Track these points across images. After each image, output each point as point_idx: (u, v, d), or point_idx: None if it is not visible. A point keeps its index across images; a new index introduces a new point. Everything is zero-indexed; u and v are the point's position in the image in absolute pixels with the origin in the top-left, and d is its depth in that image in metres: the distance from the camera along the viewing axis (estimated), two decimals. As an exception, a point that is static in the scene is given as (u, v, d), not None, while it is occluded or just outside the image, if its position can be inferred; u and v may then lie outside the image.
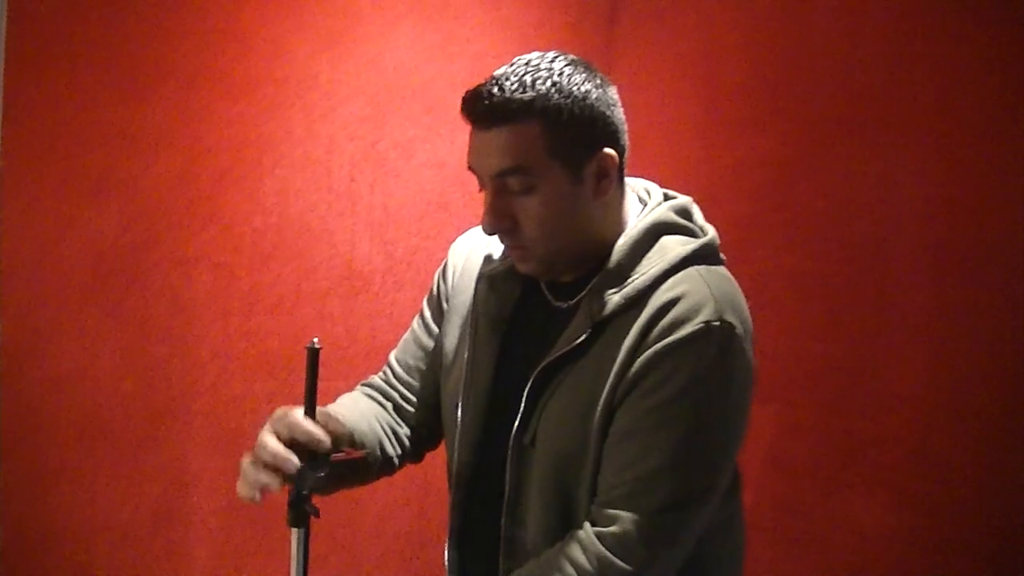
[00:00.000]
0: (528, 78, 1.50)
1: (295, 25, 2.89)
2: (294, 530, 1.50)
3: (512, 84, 1.50)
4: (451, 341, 1.77)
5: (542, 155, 1.51)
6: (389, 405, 1.85)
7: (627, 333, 1.51)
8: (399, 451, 1.82)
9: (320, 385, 2.80)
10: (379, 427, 1.79)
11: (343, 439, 1.60)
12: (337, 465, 1.54)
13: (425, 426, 1.84)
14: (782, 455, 2.94)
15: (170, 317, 2.90)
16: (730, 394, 1.52)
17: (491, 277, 1.70)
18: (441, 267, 1.86)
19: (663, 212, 1.61)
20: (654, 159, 2.85)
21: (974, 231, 2.82)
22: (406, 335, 1.90)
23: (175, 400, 2.92)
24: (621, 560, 1.46)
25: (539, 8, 3.02)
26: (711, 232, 1.64)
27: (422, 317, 1.88)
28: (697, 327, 1.47)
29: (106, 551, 2.94)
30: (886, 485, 2.94)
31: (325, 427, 1.52)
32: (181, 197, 2.89)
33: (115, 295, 2.88)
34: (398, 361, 1.89)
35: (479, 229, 1.79)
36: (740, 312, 1.54)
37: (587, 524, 1.51)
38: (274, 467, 1.47)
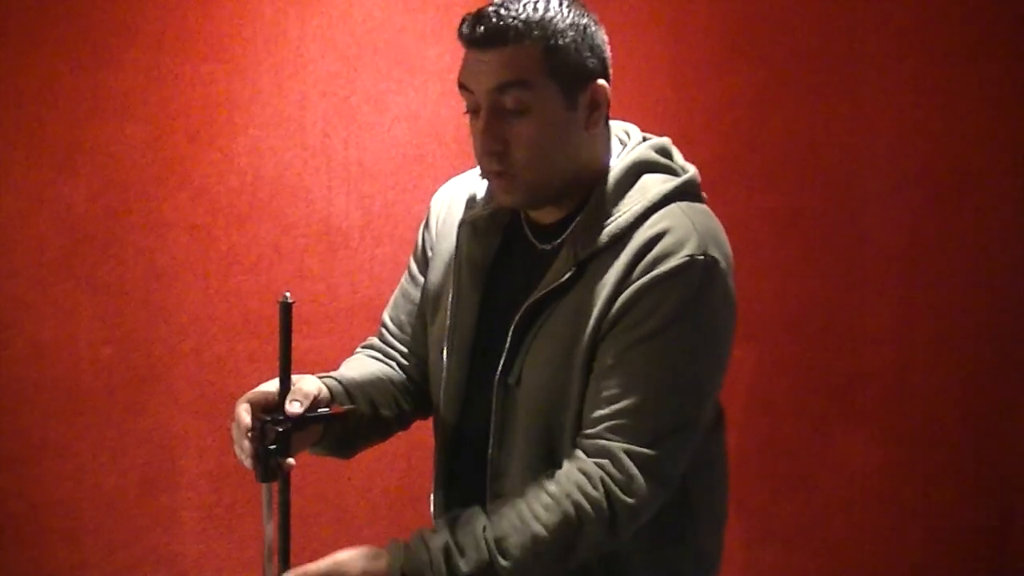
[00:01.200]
0: (530, 4, 1.53)
1: (261, -18, 2.90)
2: (264, 485, 1.53)
3: (515, 7, 1.52)
4: (436, 288, 1.79)
5: (542, 74, 1.53)
6: (393, 364, 1.88)
7: (610, 270, 1.54)
8: (411, 406, 1.86)
9: (303, 343, 2.85)
10: (390, 385, 1.82)
11: (323, 401, 1.61)
12: (310, 420, 1.55)
13: (425, 381, 1.86)
14: (765, 394, 3.00)
15: (147, 282, 2.93)
16: (714, 326, 1.57)
17: (473, 222, 1.72)
18: (424, 220, 1.88)
19: (643, 151, 1.64)
20: (626, 102, 2.87)
21: (947, 161, 2.89)
22: (396, 292, 1.92)
23: (156, 365, 2.95)
24: (624, 493, 1.50)
25: (505, -44, 3.03)
26: (692, 170, 1.67)
27: (409, 272, 1.90)
28: (681, 260, 1.51)
29: (94, 519, 2.97)
30: (869, 420, 3.01)
31: (299, 388, 1.55)
32: (153, 161, 2.91)
33: (90, 263, 2.90)
34: (391, 319, 1.90)
35: (460, 178, 1.85)
36: (722, 247, 1.57)
37: (582, 456, 1.53)
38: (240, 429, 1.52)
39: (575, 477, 1.50)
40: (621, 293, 1.53)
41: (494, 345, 1.65)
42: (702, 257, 1.52)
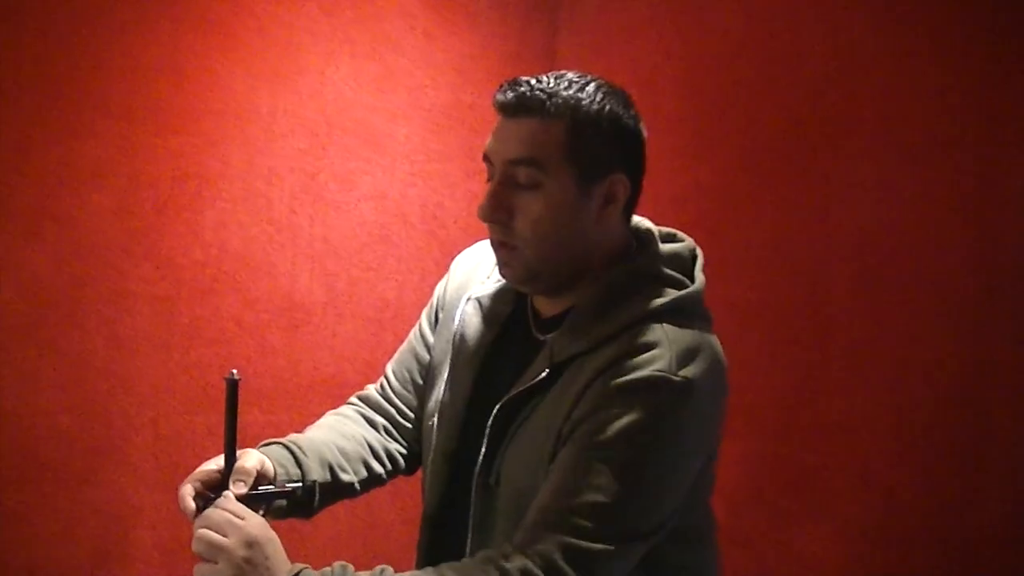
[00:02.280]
0: (565, 82, 1.56)
1: (234, 58, 2.96)
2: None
3: (550, 82, 1.55)
4: (438, 355, 1.79)
5: (559, 156, 1.55)
6: (381, 421, 1.87)
7: (581, 376, 1.53)
8: (389, 468, 1.85)
9: (262, 418, 2.88)
10: (363, 447, 1.81)
11: (267, 475, 1.62)
12: (254, 498, 1.56)
13: (419, 440, 1.85)
14: (726, 486, 2.99)
15: (109, 352, 2.96)
16: (677, 447, 1.52)
17: (479, 299, 1.74)
18: (445, 278, 1.89)
19: (650, 260, 1.63)
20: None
21: (911, 258, 2.92)
22: (403, 346, 1.91)
23: (115, 436, 2.97)
24: None
25: (478, 39, 3.11)
26: (697, 283, 1.65)
27: (420, 327, 1.88)
28: (648, 374, 1.49)
29: (45, 590, 2.97)
30: (830, 514, 3.03)
31: (240, 467, 1.57)
32: (119, 231, 2.95)
33: (52, 330, 2.93)
34: (394, 373, 1.89)
35: (485, 244, 1.78)
36: (702, 370, 1.54)
37: (513, 545, 1.48)
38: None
39: (499, 565, 1.45)
40: (583, 399, 1.52)
41: (479, 434, 1.64)
42: (675, 377, 1.50)
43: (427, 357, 1.84)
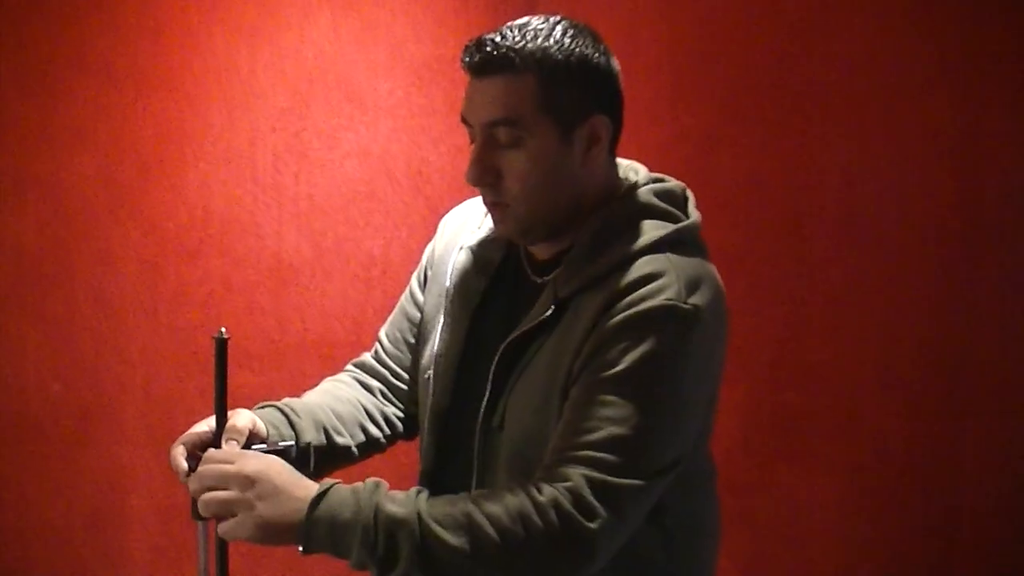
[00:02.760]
0: (530, 32, 1.54)
1: (212, 17, 2.95)
2: (199, 523, 1.55)
3: (514, 35, 1.53)
4: (429, 311, 1.79)
5: (534, 109, 1.54)
6: (376, 385, 1.88)
7: (589, 309, 1.53)
8: (387, 431, 1.85)
9: (253, 379, 2.90)
10: (359, 410, 1.82)
11: (259, 434, 1.60)
12: None
13: (415, 402, 1.84)
14: (716, 432, 3.06)
15: (96, 316, 2.97)
16: (689, 373, 1.52)
17: (471, 247, 1.74)
18: (433, 239, 1.89)
19: (644, 194, 1.63)
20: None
21: (894, 199, 2.95)
22: (395, 309, 1.91)
23: (105, 400, 2.98)
24: (582, 516, 1.41)
25: (458, -10, 3.09)
26: (693, 217, 1.65)
27: (410, 290, 1.88)
28: (658, 303, 1.49)
29: (42, 554, 3.00)
30: (818, 456, 3.07)
31: (232, 425, 1.55)
32: (102, 194, 2.95)
33: (38, 296, 2.93)
34: (387, 335, 1.89)
35: (474, 201, 1.81)
36: (708, 298, 1.54)
37: (540, 482, 1.45)
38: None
39: (531, 494, 1.42)
40: (593, 333, 1.51)
41: (478, 381, 1.64)
42: (683, 304, 1.50)
43: (418, 316, 1.84)
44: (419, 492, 1.44)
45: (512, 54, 1.52)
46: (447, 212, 1.90)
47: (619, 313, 1.49)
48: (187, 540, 3.02)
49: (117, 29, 2.93)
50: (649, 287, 1.50)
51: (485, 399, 1.61)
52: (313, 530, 1.39)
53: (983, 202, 2.92)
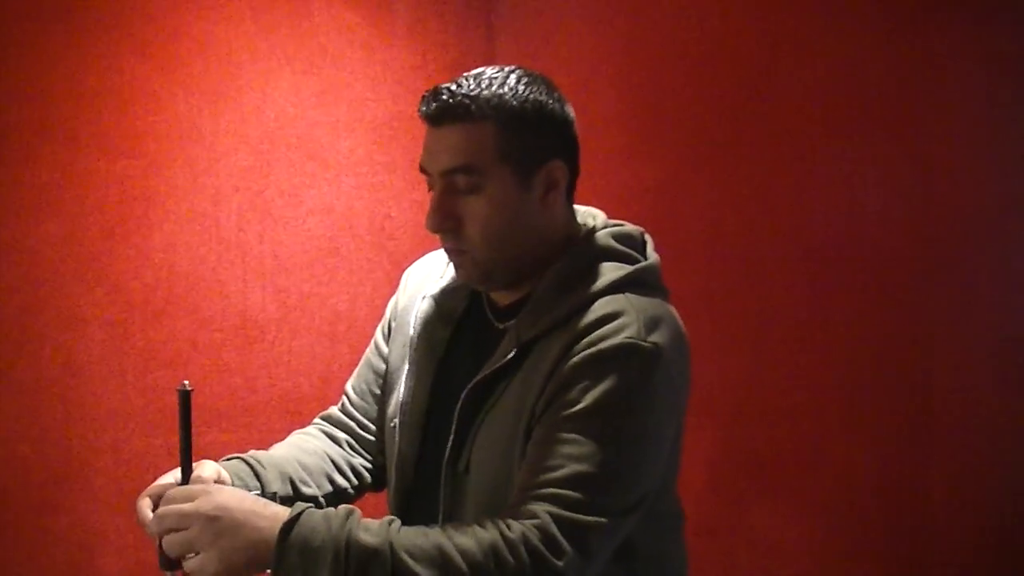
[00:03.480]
0: (485, 80, 1.58)
1: (174, 80, 3.01)
2: (166, 574, 1.54)
3: (470, 84, 1.57)
4: (394, 361, 1.82)
5: (493, 156, 1.58)
6: (343, 437, 1.90)
7: (550, 353, 1.55)
8: (355, 482, 1.88)
9: (221, 437, 2.93)
10: (326, 462, 1.84)
11: (226, 484, 1.61)
12: None
13: (383, 452, 1.86)
14: (684, 474, 3.09)
15: (64, 379, 2.99)
16: (651, 414, 1.54)
17: (433, 296, 1.77)
18: (396, 293, 1.91)
19: (602, 238, 1.66)
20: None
21: (852, 240, 3.01)
22: (361, 362, 1.94)
23: (74, 462, 3.00)
24: (549, 553, 1.41)
25: (417, 49, 3.17)
26: (652, 259, 1.69)
27: (375, 342, 1.91)
28: (619, 341, 1.51)
29: (13, 620, 2.99)
30: (786, 495, 3.10)
31: (197, 476, 1.55)
32: (68, 257, 2.99)
33: (6, 359, 2.97)
34: (353, 389, 1.92)
35: (436, 253, 1.85)
36: (668, 337, 1.56)
37: (510, 521, 1.45)
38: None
39: (500, 529, 1.42)
40: (554, 374, 1.53)
41: (444, 427, 1.65)
42: (644, 343, 1.52)
43: (383, 367, 1.86)
44: (391, 522, 1.44)
45: (468, 101, 1.55)
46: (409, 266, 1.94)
47: (579, 352, 1.52)
48: (159, 599, 3.03)
49: (81, 95, 2.98)
50: (609, 326, 1.53)
51: (450, 443, 1.63)
52: (284, 556, 1.38)
53: (943, 241, 2.98)
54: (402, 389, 1.76)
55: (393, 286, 2.86)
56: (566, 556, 1.42)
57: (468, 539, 1.42)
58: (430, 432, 1.72)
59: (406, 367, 1.77)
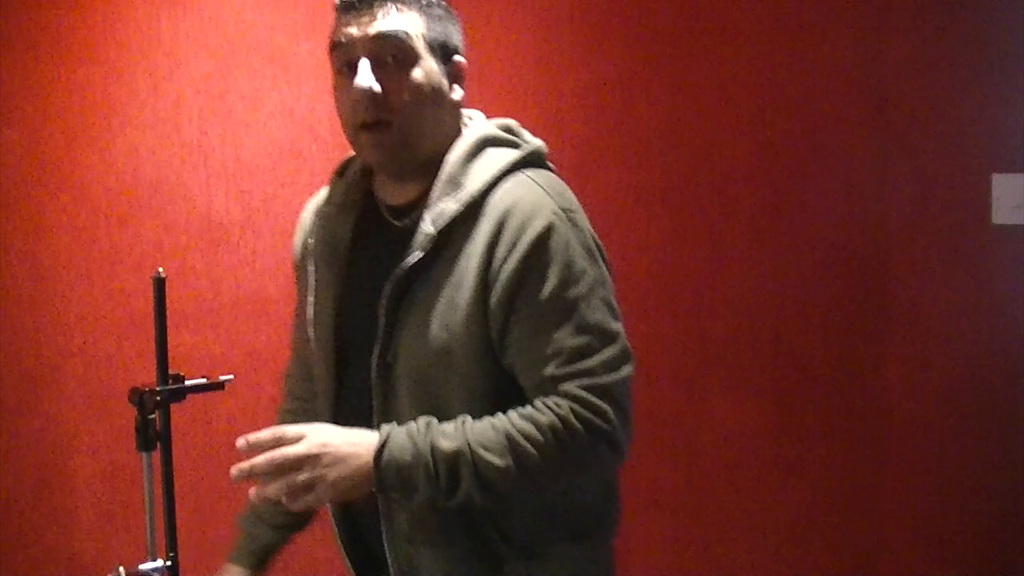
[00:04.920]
0: None
1: (132, -14, 3.04)
2: (143, 455, 1.65)
3: None
4: (305, 287, 1.88)
5: (422, 39, 1.69)
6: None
7: (473, 240, 1.66)
8: None
9: (189, 339, 3.01)
10: None
11: None
12: (187, 390, 1.69)
13: None
14: (644, 366, 3.15)
15: (33, 284, 3.07)
16: (595, 264, 1.69)
17: (323, 210, 1.84)
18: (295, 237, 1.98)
19: (487, 128, 1.76)
20: (495, 88, 3.06)
21: (808, 129, 3.05)
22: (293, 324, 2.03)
23: (45, 365, 3.07)
24: (599, 419, 1.62)
25: (374, -48, 3.18)
26: (537, 142, 1.79)
27: (296, 317, 1.99)
28: (548, 221, 1.64)
29: (-10, 520, 3.07)
30: (745, 384, 3.17)
31: None
32: (32, 164, 3.06)
33: (-27, 268, 3.01)
34: (293, 343, 2.04)
35: (311, 200, 1.96)
36: (572, 198, 1.73)
37: (557, 400, 1.63)
38: None
39: (553, 410, 1.62)
40: (492, 262, 1.64)
41: (363, 328, 1.73)
42: (563, 212, 1.67)
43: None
44: (463, 422, 1.62)
45: None
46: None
47: (515, 245, 1.64)
48: (132, 499, 3.11)
49: (39, 3, 3.04)
50: (528, 209, 1.65)
51: (380, 336, 1.70)
52: (383, 478, 1.58)
53: (895, 124, 3.02)
54: (311, 302, 1.83)
55: None
56: (609, 415, 1.62)
57: (529, 425, 1.61)
58: (350, 336, 1.80)
59: (312, 282, 1.83)
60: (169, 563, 1.59)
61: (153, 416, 1.62)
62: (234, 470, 1.57)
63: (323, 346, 1.82)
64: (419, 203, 1.73)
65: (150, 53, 3.09)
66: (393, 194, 1.78)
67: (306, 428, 1.59)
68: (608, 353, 1.65)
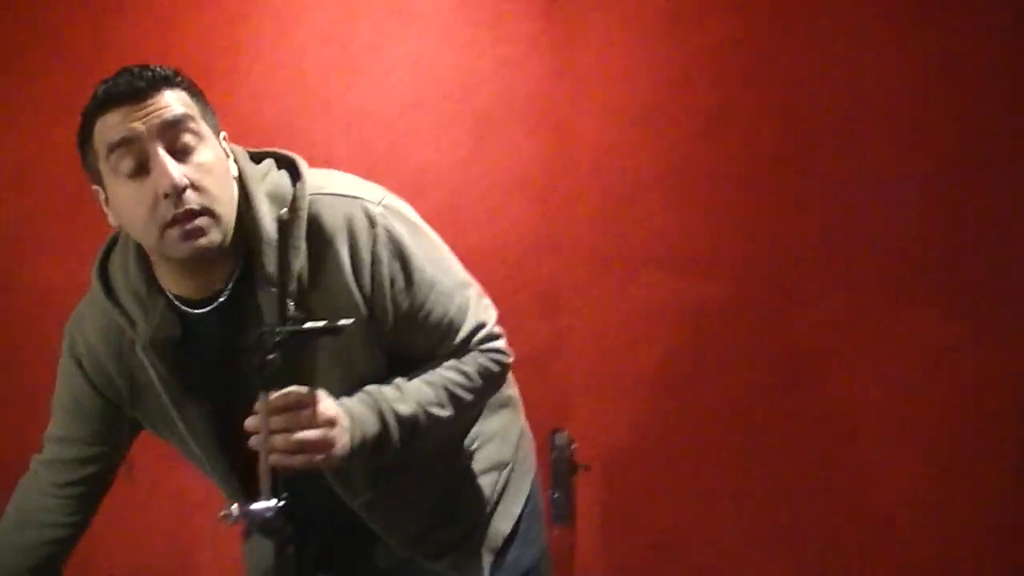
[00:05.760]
0: (158, 68, 1.67)
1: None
2: (260, 393, 1.61)
3: (147, 67, 1.65)
4: (149, 409, 1.88)
5: (198, 115, 1.68)
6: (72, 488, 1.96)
7: (328, 268, 1.73)
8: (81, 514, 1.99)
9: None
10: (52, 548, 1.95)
11: None
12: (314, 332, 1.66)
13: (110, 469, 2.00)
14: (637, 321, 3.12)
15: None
16: (413, 224, 1.83)
17: (151, 342, 1.77)
18: (69, 357, 1.91)
19: (254, 171, 1.77)
20: (626, 48, 3.02)
21: (937, 96, 2.95)
22: (55, 423, 1.97)
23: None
24: (503, 356, 1.93)
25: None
26: (284, 154, 1.86)
27: (71, 404, 1.94)
28: (363, 222, 1.74)
29: None
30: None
31: None
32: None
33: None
34: (60, 437, 1.96)
35: (79, 313, 1.90)
36: (357, 182, 1.88)
37: (469, 353, 1.88)
38: None
39: (472, 357, 1.88)
40: (360, 284, 1.74)
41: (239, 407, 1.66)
42: (376, 204, 1.78)
43: (101, 403, 1.91)
44: (399, 386, 1.79)
45: (167, 73, 1.66)
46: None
47: (358, 254, 1.73)
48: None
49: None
50: (336, 220, 1.73)
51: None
52: (359, 453, 1.71)
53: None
54: (182, 422, 1.82)
55: (475, 141, 2.96)
56: (505, 349, 1.94)
57: (460, 376, 1.85)
58: (227, 432, 1.78)
59: (173, 411, 1.81)
60: (282, 503, 1.59)
61: (272, 356, 1.58)
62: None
63: (211, 452, 1.86)
64: (223, 288, 1.73)
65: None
66: (200, 285, 1.74)
67: (322, 397, 1.66)
68: (477, 304, 1.91)
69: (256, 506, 1.57)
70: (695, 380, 3.12)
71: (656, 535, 3.18)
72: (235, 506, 1.57)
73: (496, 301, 2.00)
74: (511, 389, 2.15)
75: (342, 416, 1.67)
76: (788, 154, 3.06)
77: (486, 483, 2.04)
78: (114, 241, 1.84)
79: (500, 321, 1.98)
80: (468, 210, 3.11)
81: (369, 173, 3.06)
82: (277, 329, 1.59)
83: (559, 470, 3.07)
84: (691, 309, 3.09)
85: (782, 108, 3.06)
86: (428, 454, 1.91)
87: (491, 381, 1.92)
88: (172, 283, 1.75)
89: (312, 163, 3.02)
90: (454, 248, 1.97)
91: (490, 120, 3.07)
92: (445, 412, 1.82)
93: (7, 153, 3.16)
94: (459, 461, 2.02)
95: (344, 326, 1.62)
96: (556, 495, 3.06)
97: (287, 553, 1.60)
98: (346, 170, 3.04)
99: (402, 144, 3.10)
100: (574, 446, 3.07)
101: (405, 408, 1.76)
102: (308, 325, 1.62)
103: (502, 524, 2.05)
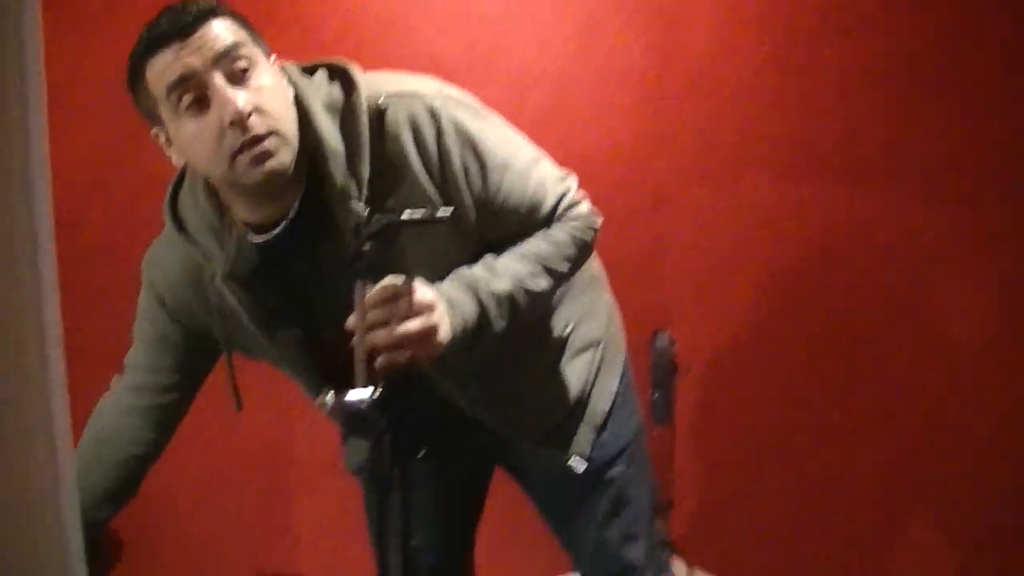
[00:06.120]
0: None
1: None
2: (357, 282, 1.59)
3: (188, 3, 1.64)
4: (237, 336, 1.89)
5: (248, 41, 1.67)
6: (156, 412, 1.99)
7: (403, 173, 1.74)
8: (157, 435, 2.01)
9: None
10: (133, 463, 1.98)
11: None
12: (407, 223, 1.64)
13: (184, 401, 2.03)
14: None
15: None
16: (478, 111, 1.86)
17: (231, 273, 1.80)
18: (150, 290, 1.94)
19: (309, 91, 1.76)
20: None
21: None
22: (138, 347, 1.99)
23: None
24: (596, 217, 1.95)
25: None
26: (332, 61, 1.85)
27: (152, 333, 1.96)
28: (426, 114, 1.74)
29: None
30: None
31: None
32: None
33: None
34: (145, 365, 1.99)
35: (156, 247, 1.93)
36: (413, 78, 1.87)
37: (561, 223, 1.90)
38: None
39: (561, 226, 1.88)
40: (431, 177, 1.75)
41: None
42: (437, 97, 1.77)
43: (181, 335, 1.94)
44: (494, 262, 1.81)
45: (208, 6, 1.64)
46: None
47: (433, 150, 1.74)
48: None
49: None
50: (402, 115, 1.74)
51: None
52: (460, 337, 1.72)
53: None
54: (275, 348, 1.87)
55: (580, 41, 2.93)
56: (592, 217, 1.94)
57: (547, 244, 1.85)
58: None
59: (261, 335, 1.84)
60: (376, 395, 1.59)
61: (367, 248, 1.56)
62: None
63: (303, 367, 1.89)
64: (286, 214, 1.74)
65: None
66: (272, 209, 1.75)
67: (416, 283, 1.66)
68: (552, 170, 1.91)
69: (351, 396, 1.58)
70: (799, 287, 3.09)
71: (754, 439, 3.18)
72: (331, 394, 1.60)
73: (602, 201, 1.99)
74: (594, 264, 2.14)
75: (440, 301, 1.68)
76: (899, 67, 2.99)
77: (583, 362, 2.07)
78: (179, 180, 1.86)
79: (605, 222, 1.98)
80: (574, 109, 3.08)
81: (471, 70, 3.07)
82: (376, 216, 1.58)
83: (659, 371, 3.06)
84: (795, 214, 3.05)
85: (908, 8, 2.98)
86: (527, 341, 1.95)
87: (583, 246, 1.92)
88: (244, 212, 1.76)
89: (414, 60, 3.04)
90: (560, 148, 1.95)
91: (595, 14, 3.02)
92: (541, 284, 1.84)
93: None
94: (556, 344, 2.04)
95: (442, 217, 1.62)
96: (656, 395, 3.05)
97: (383, 443, 1.59)
98: (447, 66, 3.06)
99: (505, 43, 3.07)
100: (675, 347, 3.05)
101: (501, 285, 1.77)
102: (406, 215, 1.60)
103: (600, 401, 2.10)
